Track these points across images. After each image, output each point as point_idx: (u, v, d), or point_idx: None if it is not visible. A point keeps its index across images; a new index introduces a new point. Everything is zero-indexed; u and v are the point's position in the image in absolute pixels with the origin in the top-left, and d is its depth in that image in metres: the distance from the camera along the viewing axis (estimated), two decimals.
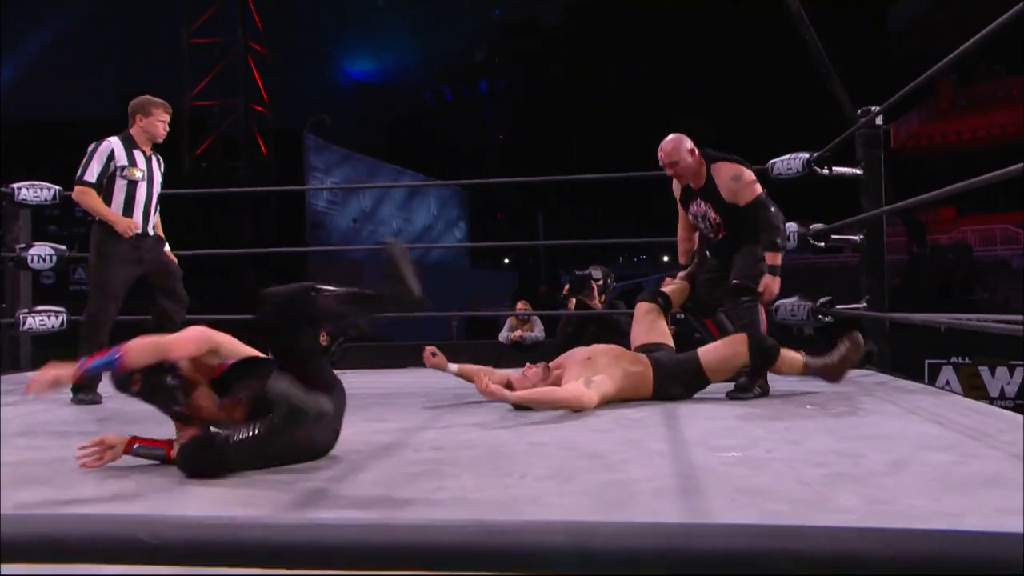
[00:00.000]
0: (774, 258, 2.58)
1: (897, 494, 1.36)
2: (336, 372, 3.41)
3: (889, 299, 3.30)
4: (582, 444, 1.90)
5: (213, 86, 14.20)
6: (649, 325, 2.71)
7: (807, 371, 2.53)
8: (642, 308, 2.76)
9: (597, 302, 4.03)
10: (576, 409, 2.34)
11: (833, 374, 2.53)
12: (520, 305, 5.80)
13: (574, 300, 4.48)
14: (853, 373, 3.27)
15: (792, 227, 3.23)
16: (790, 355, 2.53)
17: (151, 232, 3.01)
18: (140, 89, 3.53)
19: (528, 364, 2.61)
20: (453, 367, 2.72)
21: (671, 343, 2.71)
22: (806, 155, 3.25)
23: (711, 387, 2.59)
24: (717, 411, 2.36)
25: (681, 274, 2.82)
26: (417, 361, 5.44)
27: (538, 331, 5.74)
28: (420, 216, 19.77)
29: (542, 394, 2.33)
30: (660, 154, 2.59)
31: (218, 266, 10.91)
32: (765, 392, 2.58)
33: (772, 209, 2.59)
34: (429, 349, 2.69)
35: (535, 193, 24.79)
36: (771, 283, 2.56)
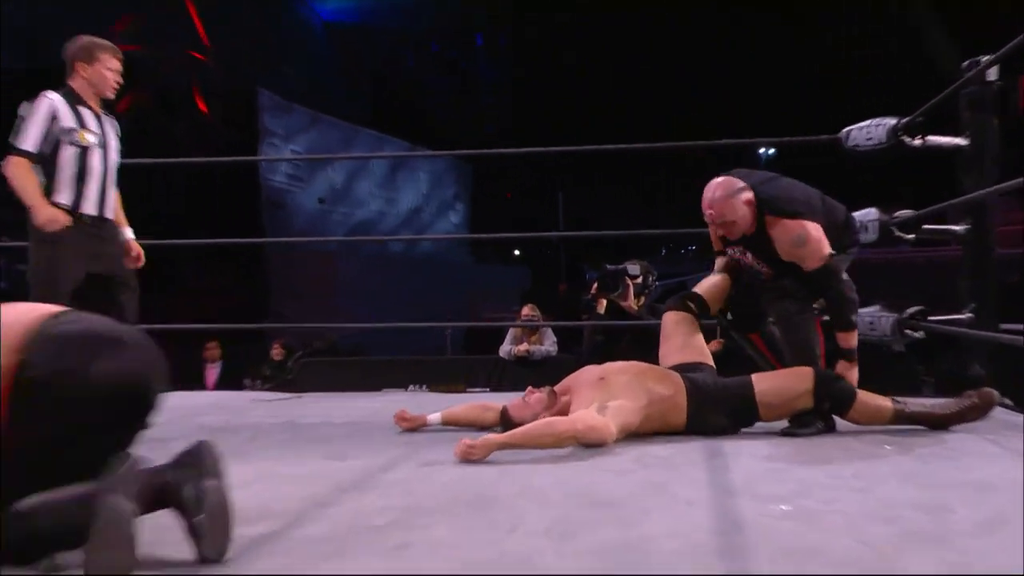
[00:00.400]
0: (849, 339, 2.58)
1: (986, 560, 1.36)
2: (289, 395, 3.42)
3: (998, 305, 3.29)
4: (591, 489, 1.91)
5: (138, 26, 14.21)
6: (684, 340, 2.72)
7: (899, 421, 2.53)
8: (671, 319, 2.77)
9: (633, 304, 3.97)
10: (587, 444, 2.34)
11: (939, 425, 2.53)
12: (526, 310, 5.82)
13: (604, 302, 4.49)
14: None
15: (872, 214, 3.23)
16: (872, 401, 2.54)
17: (109, 215, 2.86)
18: (48, 32, 3.53)
19: (530, 388, 2.63)
20: (435, 418, 2.74)
21: (712, 362, 2.71)
22: (892, 121, 3.25)
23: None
24: (767, 449, 2.37)
25: (718, 263, 2.80)
26: (397, 380, 5.56)
27: (549, 344, 5.77)
28: (407, 195, 19.84)
29: (540, 429, 2.31)
30: (708, 211, 2.56)
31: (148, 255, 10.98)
32: (830, 427, 2.59)
33: (844, 277, 2.61)
34: (397, 414, 2.74)
35: (554, 167, 24.78)
36: (849, 371, 2.58)
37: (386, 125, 18.52)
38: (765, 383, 2.53)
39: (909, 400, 2.61)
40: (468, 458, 2.24)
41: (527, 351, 5.68)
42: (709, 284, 2.85)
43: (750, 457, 2.25)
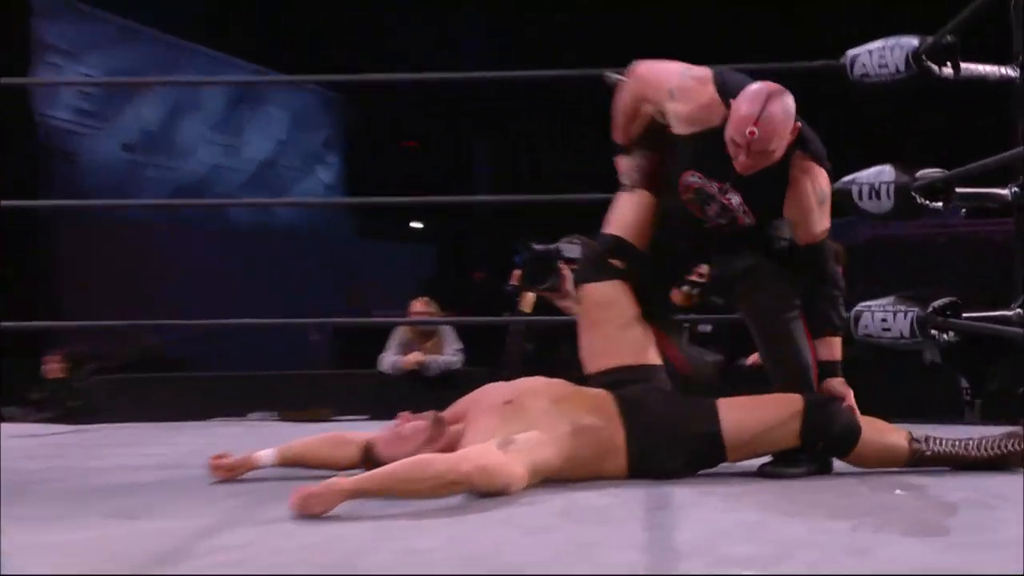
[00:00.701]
0: (837, 348, 2.71)
1: None
2: (71, 429, 3.37)
3: None
4: (496, 553, 1.95)
5: None
6: (614, 330, 2.75)
7: (918, 464, 2.65)
8: (593, 298, 2.79)
9: (573, 300, 4.06)
10: (478, 491, 2.39)
11: (971, 468, 2.66)
12: (418, 306, 5.83)
13: (530, 297, 4.52)
14: (995, 431, 3.45)
15: (886, 173, 3.36)
16: (881, 439, 2.65)
17: None
18: None
19: (404, 415, 2.66)
20: (268, 457, 2.74)
21: (658, 359, 2.78)
22: (913, 42, 3.38)
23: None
24: (735, 494, 2.44)
25: (629, 171, 2.85)
26: (236, 405, 5.52)
27: (450, 352, 5.82)
28: (256, 142, 19.53)
29: (408, 470, 2.33)
30: (749, 128, 2.48)
31: None
32: (825, 467, 2.69)
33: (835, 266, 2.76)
34: (212, 461, 2.74)
35: (473, 105, 24.54)
36: (846, 393, 2.70)
37: (226, 39, 18.23)
38: (736, 413, 2.61)
39: (935, 434, 2.73)
40: (307, 512, 2.27)
41: (419, 363, 5.69)
42: (631, 216, 2.83)
43: (712, 506, 2.32)
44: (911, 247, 17.33)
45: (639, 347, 2.76)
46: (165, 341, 11.56)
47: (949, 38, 3.34)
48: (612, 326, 2.77)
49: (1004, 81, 3.45)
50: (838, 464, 2.75)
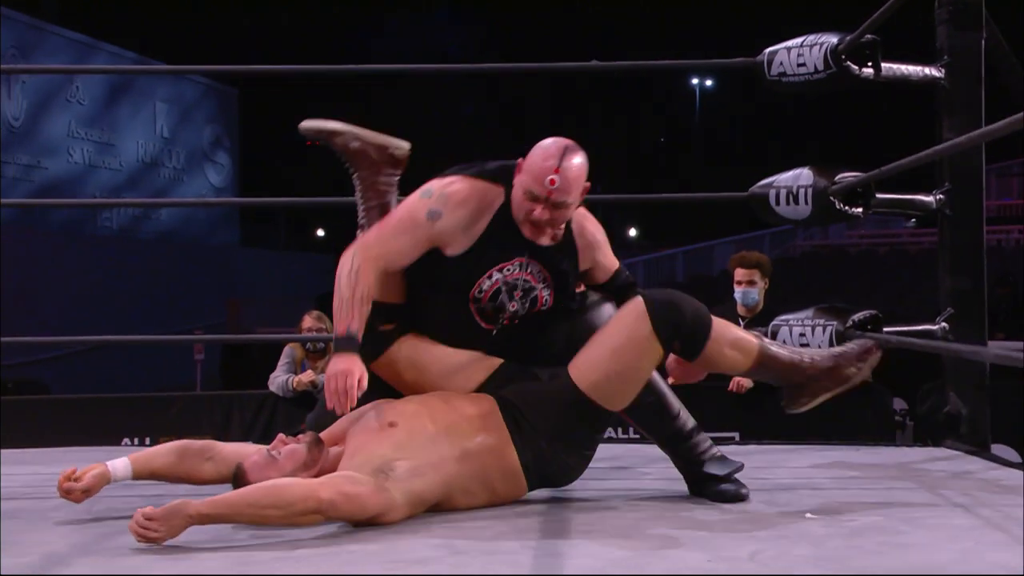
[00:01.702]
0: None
1: None
2: None
3: (989, 316, 3.59)
4: None
5: None
6: (444, 366, 2.83)
7: (761, 365, 2.74)
8: (395, 363, 2.88)
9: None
10: (352, 520, 2.43)
11: (804, 394, 2.77)
12: (309, 321, 5.83)
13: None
14: (920, 453, 3.57)
15: (804, 177, 3.45)
16: (730, 328, 2.75)
17: None
18: None
19: (280, 436, 2.67)
20: (121, 468, 2.70)
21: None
22: (833, 40, 3.47)
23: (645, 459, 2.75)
24: (631, 519, 2.50)
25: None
26: (106, 430, 5.42)
27: None
28: (134, 139, 19.32)
29: (262, 495, 2.35)
30: (549, 176, 2.61)
31: None
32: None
33: None
34: (61, 481, 2.67)
35: (383, 97, 24.53)
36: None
37: (100, 24, 18.00)
38: (583, 355, 2.68)
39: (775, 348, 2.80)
40: (148, 538, 2.27)
41: (311, 383, 5.69)
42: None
43: (608, 534, 2.37)
44: (852, 258, 17.76)
45: (476, 359, 2.83)
46: (16, 363, 11.30)
47: (869, 36, 3.44)
48: (436, 365, 2.83)
49: (927, 82, 3.57)
50: (752, 484, 2.83)
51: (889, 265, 16.22)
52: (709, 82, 32.72)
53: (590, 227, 2.85)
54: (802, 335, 3.39)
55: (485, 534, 2.42)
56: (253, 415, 5.75)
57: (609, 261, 2.89)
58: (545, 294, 2.82)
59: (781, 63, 3.48)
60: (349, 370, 2.57)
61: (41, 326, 11.78)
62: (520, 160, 2.70)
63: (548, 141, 2.70)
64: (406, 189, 2.88)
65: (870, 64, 3.43)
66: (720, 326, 2.69)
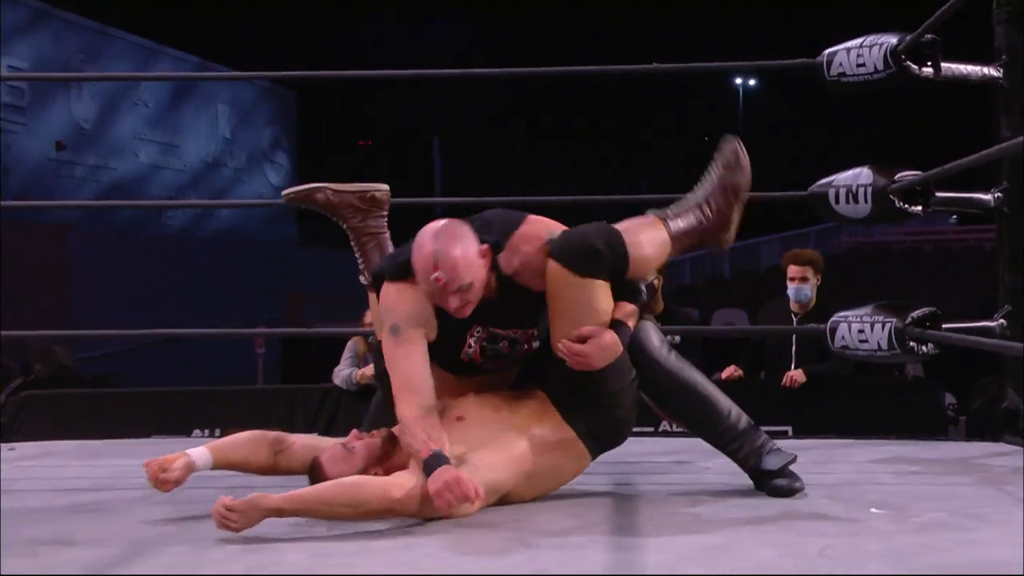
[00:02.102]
0: (621, 310, 2.70)
1: None
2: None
3: None
4: None
5: None
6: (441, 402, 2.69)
7: (678, 251, 2.77)
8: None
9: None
10: (425, 517, 2.44)
11: (721, 233, 2.79)
12: (370, 316, 5.85)
13: None
14: (979, 448, 3.53)
15: (863, 176, 3.41)
16: (640, 230, 2.71)
17: None
18: None
19: (354, 432, 2.68)
20: (201, 458, 2.72)
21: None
22: (892, 40, 3.44)
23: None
24: (700, 515, 2.50)
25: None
26: (176, 422, 5.48)
27: None
28: (197, 140, 19.49)
29: (336, 493, 2.38)
30: (433, 276, 2.54)
31: None
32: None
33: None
34: (152, 471, 2.68)
35: (430, 101, 24.60)
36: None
37: (163, 29, 18.15)
38: (559, 318, 2.65)
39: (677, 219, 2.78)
40: (226, 527, 2.32)
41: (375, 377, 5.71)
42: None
43: (675, 529, 2.36)
44: (896, 255, 17.59)
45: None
46: (89, 357, 11.44)
47: (929, 36, 3.40)
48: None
49: (986, 81, 3.52)
50: (813, 479, 2.80)
51: (934, 262, 16.06)
52: (752, 82, 32.55)
53: (520, 258, 2.69)
54: (861, 331, 3.35)
55: (553, 528, 2.41)
56: (317, 408, 5.77)
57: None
58: (527, 335, 2.76)
59: (840, 64, 3.45)
60: (456, 478, 2.42)
61: (109, 321, 11.91)
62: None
63: (422, 237, 2.60)
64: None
65: (929, 64, 3.39)
66: (629, 234, 2.66)
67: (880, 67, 3.38)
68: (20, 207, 13.23)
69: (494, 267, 2.66)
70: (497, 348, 2.75)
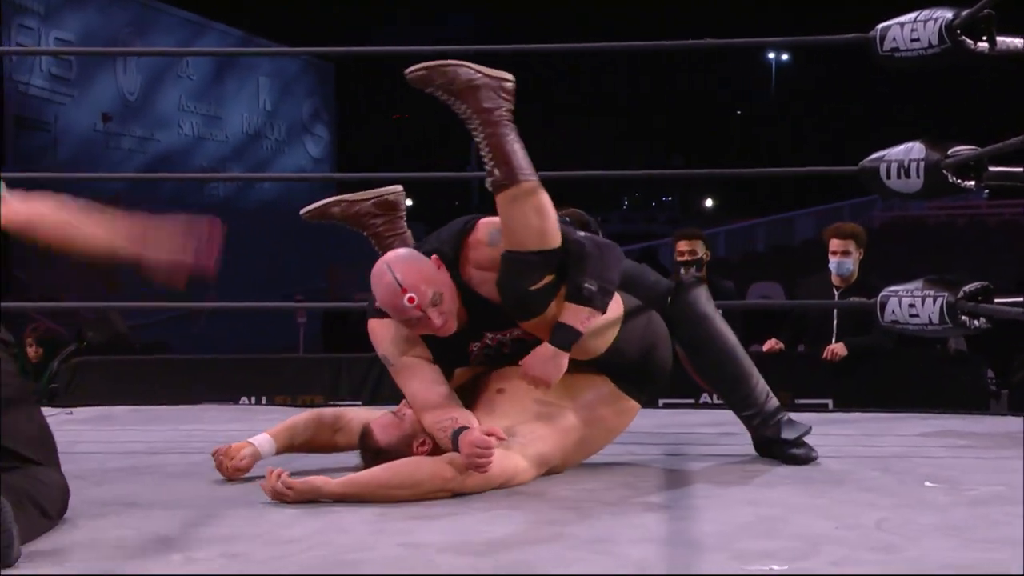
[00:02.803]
0: (569, 314, 2.54)
1: None
2: (58, 412, 3.38)
3: None
4: (502, 548, 1.98)
5: None
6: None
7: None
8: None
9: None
10: (483, 491, 2.43)
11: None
12: None
13: None
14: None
15: (916, 151, 3.36)
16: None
17: None
18: None
19: (405, 403, 2.66)
20: (266, 446, 2.73)
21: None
22: (948, 15, 3.37)
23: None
24: (756, 485, 2.49)
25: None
26: (220, 390, 5.52)
27: None
28: (240, 113, 19.54)
29: (391, 476, 2.38)
30: (406, 298, 2.47)
31: None
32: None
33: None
34: (226, 463, 2.68)
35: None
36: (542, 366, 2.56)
37: (207, 4, 18.17)
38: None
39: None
40: (281, 500, 2.36)
41: None
42: None
43: (730, 499, 2.35)
44: (931, 230, 17.41)
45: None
46: (138, 324, 11.54)
47: (986, 11, 3.33)
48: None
49: None
50: (863, 452, 2.77)
51: (968, 236, 15.89)
52: (785, 56, 32.30)
53: (471, 266, 2.61)
54: (911, 306, 3.30)
55: (608, 496, 2.41)
56: (362, 377, 5.77)
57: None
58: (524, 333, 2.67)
59: (894, 39, 3.38)
60: (473, 438, 2.39)
61: (157, 291, 12.00)
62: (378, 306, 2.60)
63: (377, 274, 2.54)
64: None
65: (985, 39, 3.32)
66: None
67: (935, 42, 3.30)
68: (67, 179, 13.34)
69: (453, 277, 2.59)
70: (502, 353, 2.70)
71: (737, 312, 5.43)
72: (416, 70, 2.60)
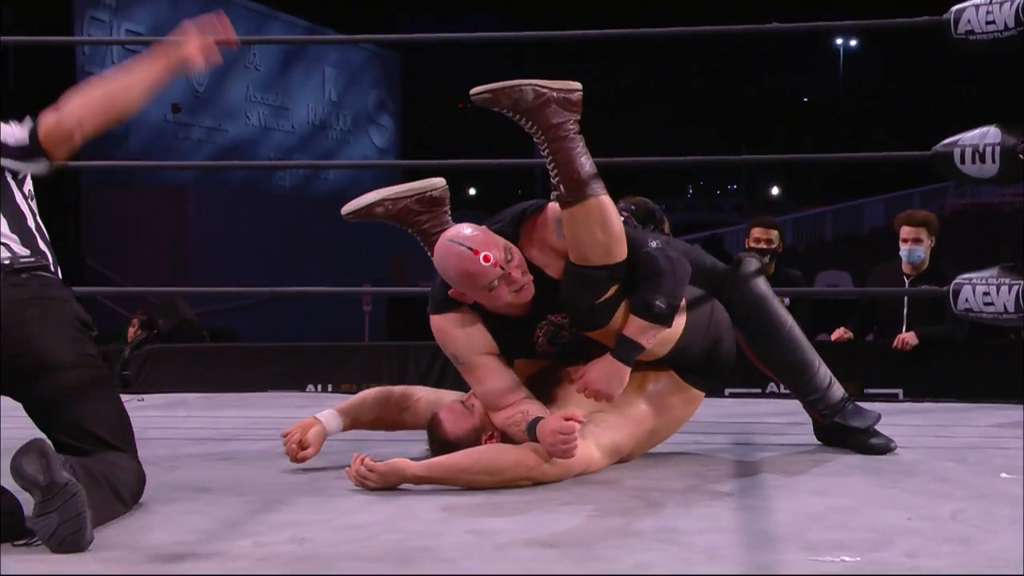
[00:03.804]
0: (632, 327, 2.50)
1: None
2: (130, 400, 3.46)
3: None
4: (571, 538, 1.98)
5: None
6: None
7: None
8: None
9: None
10: (562, 479, 2.43)
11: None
12: None
13: None
14: None
15: (991, 135, 3.29)
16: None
17: None
18: None
19: (473, 393, 2.64)
20: (333, 423, 2.73)
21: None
22: None
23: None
24: (825, 477, 2.46)
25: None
26: (287, 377, 5.57)
27: None
28: (305, 102, 19.68)
29: (473, 462, 2.39)
30: (481, 256, 2.44)
31: None
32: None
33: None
34: (293, 448, 2.67)
35: (533, 62, 24.61)
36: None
37: None
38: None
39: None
40: (363, 485, 2.37)
41: None
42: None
43: (800, 489, 2.33)
44: (1004, 217, 17.08)
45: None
46: (206, 311, 11.70)
47: None
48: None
49: None
50: (935, 443, 2.73)
51: (1007, 224, 15.53)
52: (853, 42, 31.86)
53: (535, 247, 2.59)
54: (986, 294, 3.25)
55: (677, 486, 2.40)
56: (427, 365, 5.79)
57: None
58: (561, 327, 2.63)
59: (968, 21, 3.32)
60: (555, 426, 2.37)
61: (224, 278, 12.14)
62: (452, 292, 2.54)
63: (441, 250, 2.52)
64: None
65: None
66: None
67: (1011, 24, 3.24)
68: (135, 167, 13.54)
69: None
70: (562, 337, 2.66)
71: (805, 301, 5.38)
72: (482, 92, 2.56)
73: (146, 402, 4.01)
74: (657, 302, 2.45)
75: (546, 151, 2.57)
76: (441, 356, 5.89)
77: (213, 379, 4.99)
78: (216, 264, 13.54)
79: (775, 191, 35.42)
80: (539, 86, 2.55)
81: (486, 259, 2.44)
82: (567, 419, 2.37)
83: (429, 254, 2.87)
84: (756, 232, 5.27)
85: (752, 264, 2.83)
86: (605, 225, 2.48)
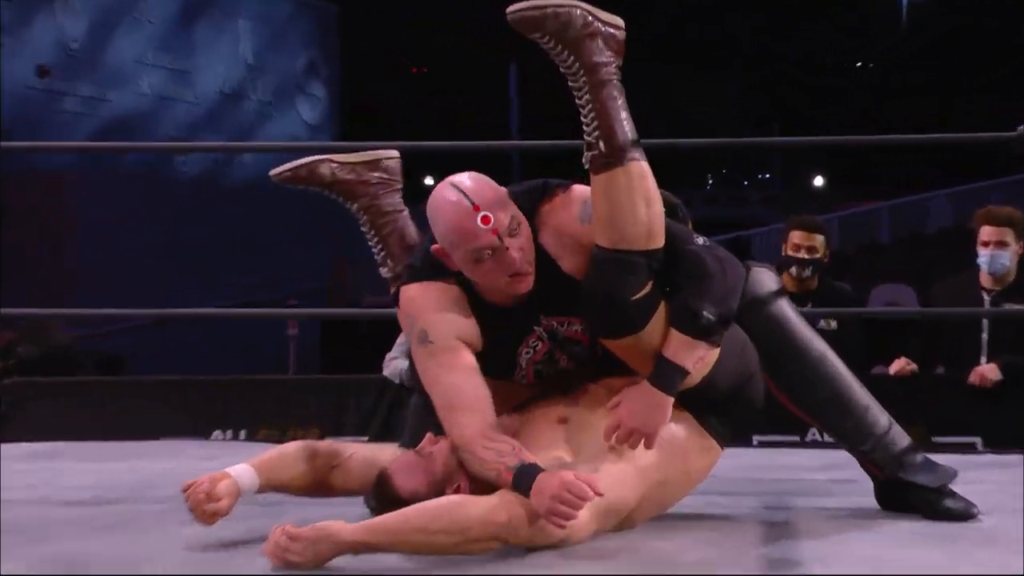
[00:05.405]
0: (673, 346, 2.53)
1: None
2: None
3: None
4: None
5: None
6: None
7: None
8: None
9: None
10: (532, 546, 2.40)
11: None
12: None
13: None
14: None
15: None
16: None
17: None
18: None
19: (430, 434, 2.67)
20: (245, 476, 2.71)
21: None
22: None
23: None
24: (887, 540, 2.48)
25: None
26: (190, 421, 5.56)
27: None
28: (214, 66, 19.65)
29: (428, 520, 2.34)
30: (480, 216, 2.46)
31: None
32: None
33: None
34: (200, 505, 2.64)
35: (503, 20, 24.57)
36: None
37: None
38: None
39: None
40: (289, 564, 2.30)
41: None
42: None
43: (849, 562, 2.35)
44: None
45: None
46: (87, 334, 11.63)
47: None
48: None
49: None
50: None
51: None
52: None
53: (549, 233, 2.62)
54: None
55: (690, 558, 2.40)
56: (373, 405, 5.77)
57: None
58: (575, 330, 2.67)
59: None
60: (563, 482, 2.32)
61: (115, 290, 12.10)
62: (435, 247, 2.58)
63: (437, 197, 2.56)
64: None
65: None
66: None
67: None
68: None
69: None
70: (556, 365, 2.69)
71: (855, 322, 5.40)
72: (526, 8, 2.50)
73: (4, 452, 3.99)
74: (705, 311, 2.46)
75: (584, 98, 2.56)
76: (389, 394, 5.93)
77: (94, 423, 4.97)
78: (100, 272, 13.49)
79: (818, 181, 35.55)
80: (588, 11, 2.55)
81: (484, 220, 2.47)
82: (581, 484, 2.32)
83: (374, 241, 2.89)
84: (796, 236, 5.27)
85: (766, 282, 2.82)
86: (649, 199, 2.51)
